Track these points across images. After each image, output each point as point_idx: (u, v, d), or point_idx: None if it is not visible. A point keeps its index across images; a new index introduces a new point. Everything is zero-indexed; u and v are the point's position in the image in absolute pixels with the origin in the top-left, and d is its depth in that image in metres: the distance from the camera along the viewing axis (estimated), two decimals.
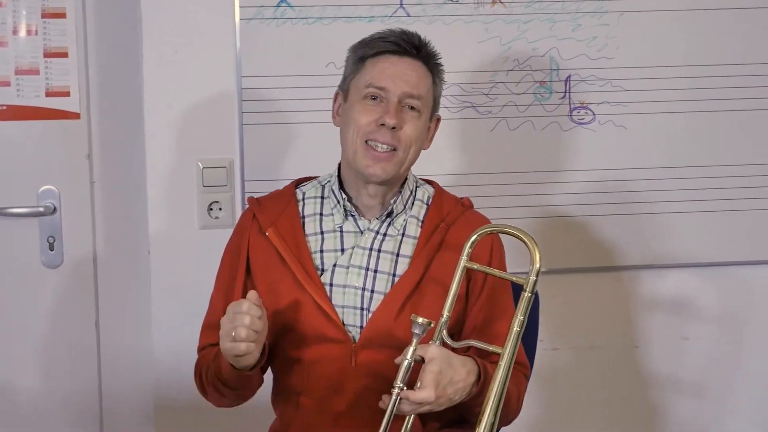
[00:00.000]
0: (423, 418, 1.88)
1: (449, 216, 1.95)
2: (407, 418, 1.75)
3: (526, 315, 1.72)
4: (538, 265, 1.73)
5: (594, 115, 2.60)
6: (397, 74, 1.85)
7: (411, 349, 1.71)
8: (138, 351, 2.65)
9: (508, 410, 1.87)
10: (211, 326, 1.95)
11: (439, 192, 2.01)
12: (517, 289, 1.80)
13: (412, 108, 1.87)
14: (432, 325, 1.70)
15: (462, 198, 2.02)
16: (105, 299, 2.66)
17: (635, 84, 2.59)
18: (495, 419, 1.70)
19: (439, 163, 2.54)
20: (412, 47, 1.87)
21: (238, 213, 2.50)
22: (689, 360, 2.75)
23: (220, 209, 2.53)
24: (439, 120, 1.99)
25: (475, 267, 1.81)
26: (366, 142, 1.86)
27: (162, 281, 2.53)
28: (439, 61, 1.93)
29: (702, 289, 2.73)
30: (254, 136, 2.50)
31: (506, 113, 2.57)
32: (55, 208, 2.59)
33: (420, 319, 1.69)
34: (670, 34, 2.60)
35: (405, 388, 1.70)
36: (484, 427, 1.69)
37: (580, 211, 2.63)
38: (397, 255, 1.92)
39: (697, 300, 2.74)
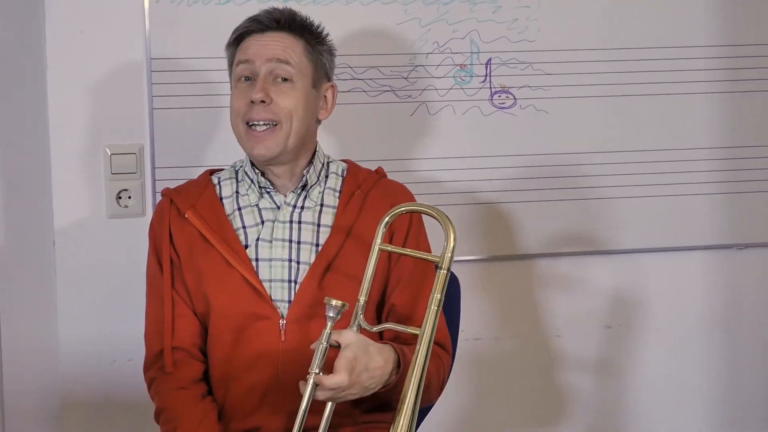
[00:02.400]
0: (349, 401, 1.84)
1: (365, 183, 1.99)
2: (328, 404, 1.73)
3: (443, 293, 1.71)
4: (452, 243, 1.74)
5: (515, 99, 2.58)
6: (261, 47, 1.90)
7: (326, 332, 1.68)
8: (42, 347, 2.55)
9: (430, 392, 1.87)
10: (155, 330, 1.95)
11: (353, 165, 2.06)
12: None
13: (285, 79, 1.89)
14: (346, 307, 1.68)
15: (376, 168, 2.06)
16: (7, 292, 2.55)
17: (557, 67, 2.59)
18: (416, 401, 1.69)
19: (358, 148, 2.51)
20: (273, 21, 1.91)
21: (149, 201, 2.48)
22: (611, 347, 2.76)
23: (130, 197, 2.47)
24: (334, 88, 1.99)
25: (389, 249, 1.82)
26: (248, 124, 1.89)
27: (68, 273, 2.47)
28: (312, 28, 1.95)
29: (625, 277, 2.73)
30: (165, 120, 2.45)
31: (426, 97, 2.55)
32: None
33: (334, 302, 1.67)
34: (591, 17, 2.60)
35: (321, 373, 1.67)
36: (405, 410, 1.67)
37: (502, 197, 2.61)
38: (318, 225, 1.94)
39: (621, 288, 2.74)
